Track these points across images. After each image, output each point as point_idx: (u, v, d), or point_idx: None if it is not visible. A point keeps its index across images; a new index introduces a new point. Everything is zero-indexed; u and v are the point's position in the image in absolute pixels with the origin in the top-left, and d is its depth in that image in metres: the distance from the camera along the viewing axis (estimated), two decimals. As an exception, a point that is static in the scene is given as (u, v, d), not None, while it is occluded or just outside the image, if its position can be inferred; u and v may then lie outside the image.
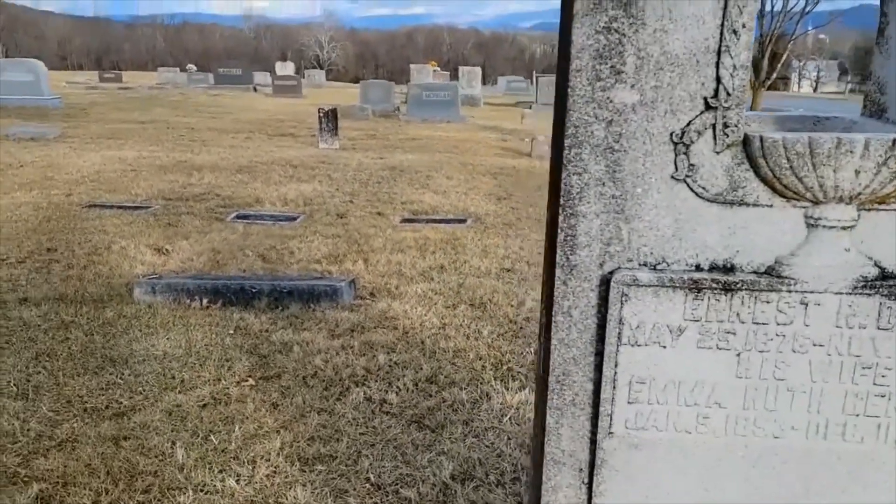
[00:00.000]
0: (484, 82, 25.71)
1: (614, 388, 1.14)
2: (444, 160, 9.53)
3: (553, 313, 1.14)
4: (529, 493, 1.40)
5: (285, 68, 38.18)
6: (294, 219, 5.91)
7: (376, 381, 2.98)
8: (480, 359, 3.24)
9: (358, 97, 18.63)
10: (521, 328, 3.62)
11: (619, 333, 1.11)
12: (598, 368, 1.15)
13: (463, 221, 5.96)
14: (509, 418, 2.72)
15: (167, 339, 3.32)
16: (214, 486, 2.24)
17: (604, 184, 1.09)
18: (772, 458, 1.15)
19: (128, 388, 2.85)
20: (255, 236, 5.29)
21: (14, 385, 2.83)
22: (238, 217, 5.92)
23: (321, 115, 10.76)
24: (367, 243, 5.15)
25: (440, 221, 5.95)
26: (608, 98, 1.06)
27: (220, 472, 2.32)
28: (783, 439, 1.14)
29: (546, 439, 1.19)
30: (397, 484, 2.31)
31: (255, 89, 26.92)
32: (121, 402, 2.73)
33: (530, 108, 19.51)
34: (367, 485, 2.30)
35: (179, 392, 2.82)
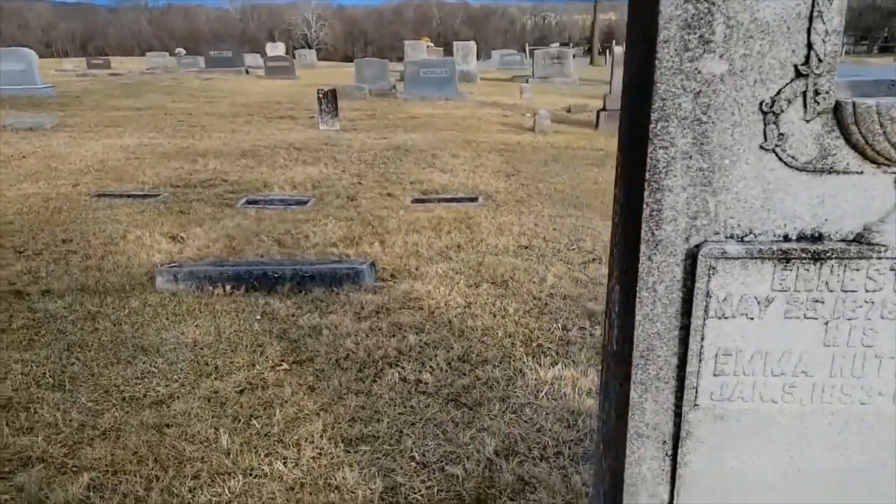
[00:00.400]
0: (477, 57, 25.28)
1: (700, 360, 1.14)
2: (448, 138, 9.46)
3: (638, 289, 1.13)
4: (604, 466, 1.41)
5: (276, 49, 37.52)
6: (305, 202, 5.88)
7: (409, 361, 2.99)
8: (509, 336, 3.25)
9: (353, 76, 18.40)
10: (545, 304, 3.63)
11: (707, 307, 1.11)
12: (683, 342, 1.15)
13: (474, 200, 5.94)
14: (545, 394, 2.74)
15: (196, 326, 3.32)
16: (262, 469, 2.26)
17: (691, 157, 1.08)
18: (858, 424, 1.16)
19: (163, 376, 2.85)
20: (268, 221, 5.27)
21: (50, 377, 2.83)
22: (248, 202, 5.89)
23: (320, 95, 10.64)
24: (381, 225, 5.14)
25: (451, 200, 5.93)
26: (696, 69, 1.04)
27: (267, 455, 2.33)
28: (870, 405, 1.15)
29: (630, 414, 1.19)
30: (442, 461, 2.33)
31: (246, 71, 26.54)
32: (158, 391, 2.74)
33: (527, 82, 19.31)
34: (413, 463, 2.32)
35: (215, 378, 2.83)
